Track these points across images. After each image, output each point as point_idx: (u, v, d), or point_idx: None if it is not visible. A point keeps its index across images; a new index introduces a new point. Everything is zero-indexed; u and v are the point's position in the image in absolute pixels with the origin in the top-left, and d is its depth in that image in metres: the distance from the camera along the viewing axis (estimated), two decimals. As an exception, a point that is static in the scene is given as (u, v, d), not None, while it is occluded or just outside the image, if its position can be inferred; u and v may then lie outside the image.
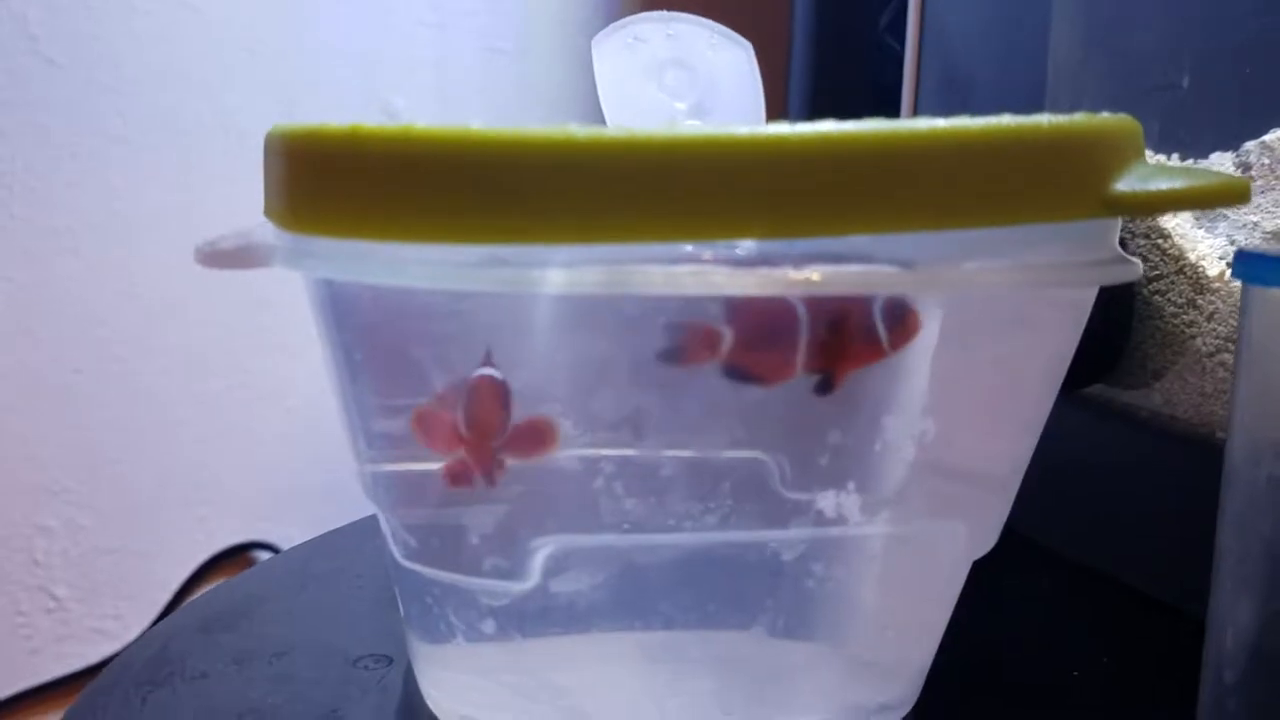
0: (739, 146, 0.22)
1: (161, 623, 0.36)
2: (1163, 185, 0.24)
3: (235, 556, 0.75)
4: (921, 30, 0.52)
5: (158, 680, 0.32)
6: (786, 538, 0.26)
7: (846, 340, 0.24)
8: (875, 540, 0.26)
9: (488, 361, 0.24)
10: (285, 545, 0.75)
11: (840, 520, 0.25)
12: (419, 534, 0.26)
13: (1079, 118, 0.24)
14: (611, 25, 0.30)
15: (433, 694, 0.29)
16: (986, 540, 0.28)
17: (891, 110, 0.56)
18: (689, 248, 0.22)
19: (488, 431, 0.24)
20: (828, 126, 0.22)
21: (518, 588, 0.26)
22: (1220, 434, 0.38)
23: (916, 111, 0.52)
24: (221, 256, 0.26)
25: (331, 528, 0.44)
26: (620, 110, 0.30)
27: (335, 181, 0.23)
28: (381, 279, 0.23)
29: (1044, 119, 0.24)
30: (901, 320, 0.24)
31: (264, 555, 0.75)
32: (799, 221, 0.22)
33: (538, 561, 0.25)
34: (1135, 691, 0.33)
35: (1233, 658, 0.27)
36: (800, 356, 0.24)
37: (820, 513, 0.25)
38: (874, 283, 0.23)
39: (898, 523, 0.26)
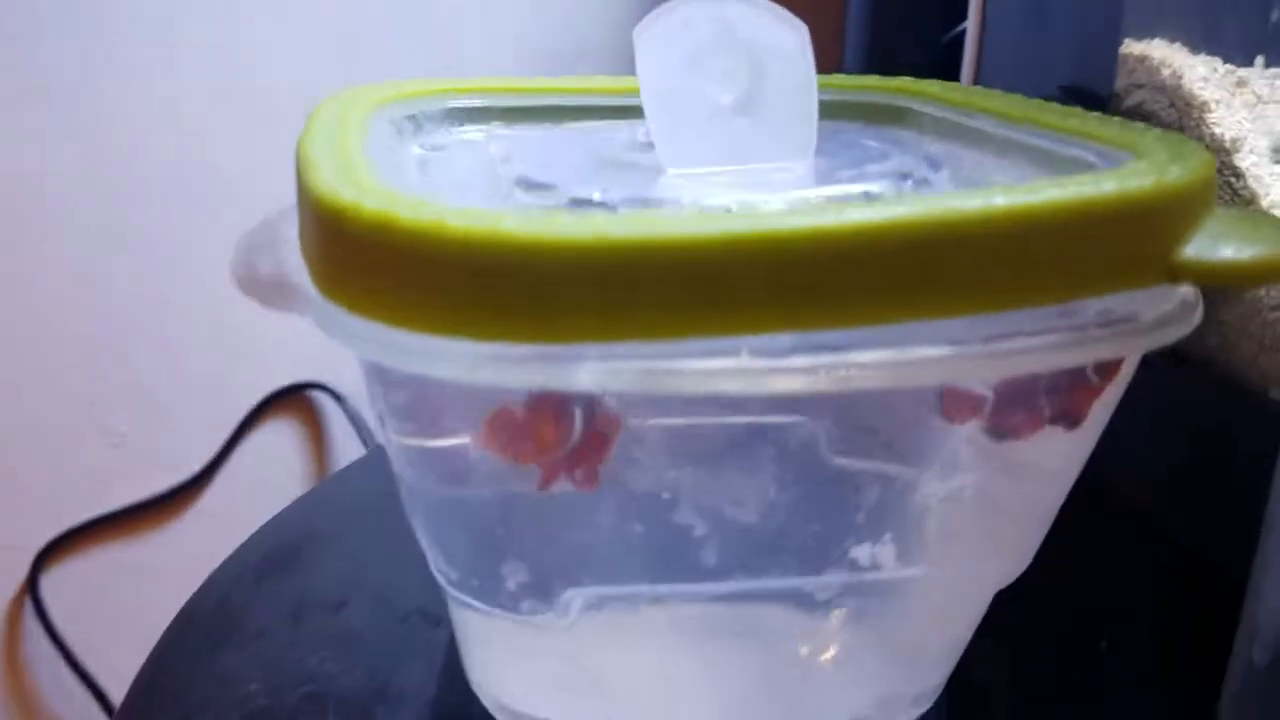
0: (780, 239, 0.21)
1: (222, 566, 0.37)
2: (1236, 253, 0.23)
3: (291, 395, 0.77)
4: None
5: (220, 639, 0.34)
6: (819, 582, 0.26)
7: (1074, 385, 0.25)
8: (911, 582, 0.26)
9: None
10: (340, 387, 0.77)
11: (875, 568, 0.26)
12: (459, 567, 0.27)
13: (1147, 181, 0.23)
14: (656, 10, 0.29)
15: (474, 676, 0.30)
16: (1021, 566, 0.28)
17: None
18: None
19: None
20: (875, 212, 0.21)
21: (557, 624, 0.26)
22: (1275, 390, 0.37)
23: (984, 36, 0.49)
24: (258, 287, 0.26)
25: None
26: (661, 106, 0.28)
27: (366, 264, 0.22)
28: (409, 367, 0.22)
29: (1109, 186, 0.23)
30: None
31: (319, 395, 0.77)
32: (846, 312, 0.22)
33: (576, 606, 0.26)
34: (1165, 666, 0.33)
35: (1266, 640, 0.27)
36: (1046, 410, 0.24)
37: (854, 561, 0.26)
38: (925, 371, 0.22)
39: (933, 566, 0.26)
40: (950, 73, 0.49)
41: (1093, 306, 0.23)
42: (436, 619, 0.34)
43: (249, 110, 0.71)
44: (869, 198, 0.26)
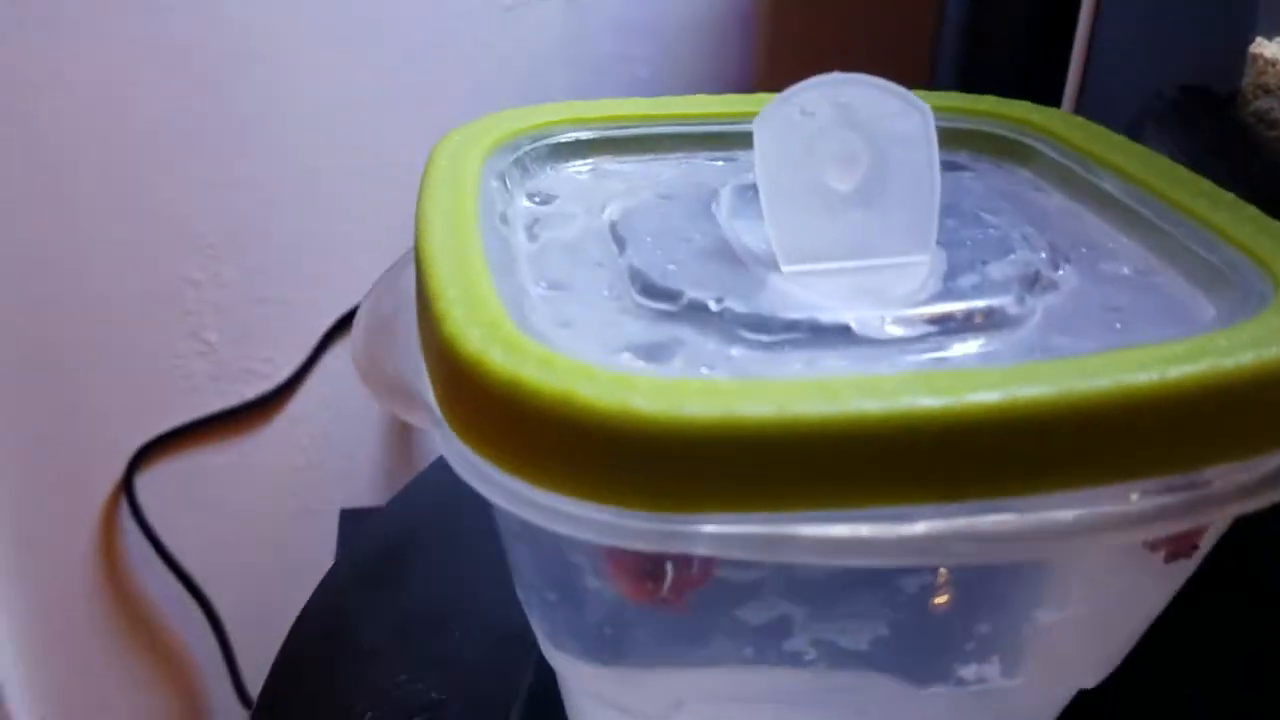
0: (908, 420, 0.21)
1: (331, 572, 0.39)
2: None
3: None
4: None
5: (333, 657, 0.35)
6: (922, 692, 0.27)
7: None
8: (1009, 689, 0.27)
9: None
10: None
11: (979, 682, 0.26)
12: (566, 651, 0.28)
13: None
14: (778, 97, 0.28)
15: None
16: (1112, 669, 0.29)
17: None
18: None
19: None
20: (1005, 392, 0.21)
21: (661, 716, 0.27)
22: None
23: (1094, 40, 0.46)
24: (380, 384, 0.27)
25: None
26: (778, 198, 0.28)
27: (492, 416, 0.23)
28: (525, 515, 0.23)
29: (1247, 359, 0.22)
30: None
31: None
32: (976, 487, 0.22)
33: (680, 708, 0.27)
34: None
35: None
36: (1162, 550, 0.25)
37: (960, 679, 0.26)
38: (1045, 544, 0.22)
39: (1034, 677, 0.27)
40: (1050, 68, 0.47)
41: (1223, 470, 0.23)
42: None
43: (377, 35, 0.70)
44: (993, 318, 0.25)
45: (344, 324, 0.77)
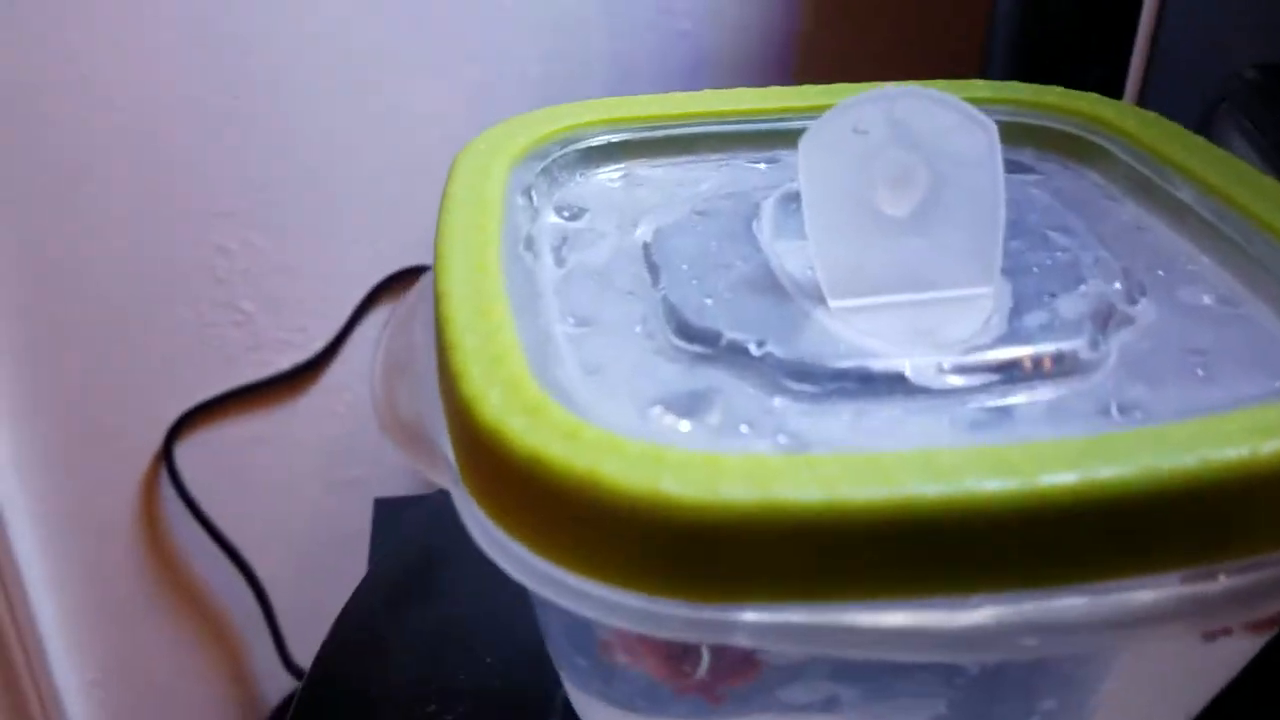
0: (969, 506, 0.19)
1: (357, 594, 0.37)
2: None
3: (407, 279, 0.76)
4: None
5: (362, 690, 0.34)
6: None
7: None
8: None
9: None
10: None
11: (1039, 752, 0.25)
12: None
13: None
14: (828, 113, 0.25)
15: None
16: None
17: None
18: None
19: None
20: (1075, 477, 0.19)
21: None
22: None
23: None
24: (398, 430, 0.25)
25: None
26: (826, 225, 0.26)
27: (513, 490, 0.21)
28: (555, 598, 0.21)
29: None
30: None
31: (435, 279, 0.76)
32: (1038, 576, 0.20)
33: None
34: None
35: None
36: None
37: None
38: (1120, 633, 0.20)
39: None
40: (1112, 47, 0.44)
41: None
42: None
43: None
44: (1063, 364, 0.23)
45: (377, 294, 0.76)
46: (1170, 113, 0.32)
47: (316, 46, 0.68)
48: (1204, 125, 0.39)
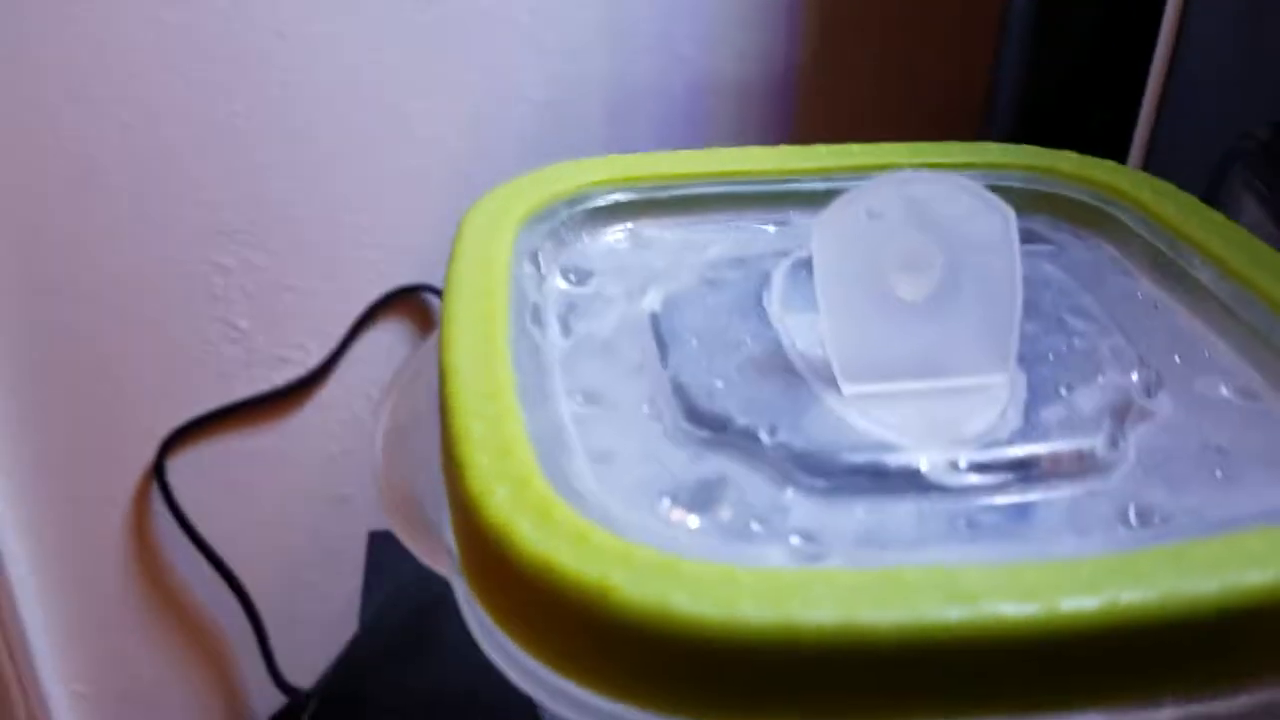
0: (983, 631, 0.19)
1: (349, 652, 0.37)
2: None
3: (405, 297, 0.75)
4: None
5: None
6: None
7: None
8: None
9: None
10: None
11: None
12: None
13: None
14: (842, 198, 0.25)
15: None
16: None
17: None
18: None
19: None
20: (1096, 602, 0.19)
21: None
22: None
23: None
24: (399, 510, 0.24)
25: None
26: (839, 309, 0.25)
27: (518, 594, 0.20)
28: (559, 709, 0.20)
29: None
30: None
31: (432, 298, 0.75)
32: (1058, 700, 0.19)
33: None
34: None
35: None
36: None
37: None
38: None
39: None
40: (1117, 106, 0.43)
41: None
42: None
43: (406, 18, 0.67)
44: (1081, 463, 0.23)
45: (374, 313, 0.75)
46: (1176, 170, 0.32)
47: (317, 66, 0.67)
48: (1215, 185, 0.38)
